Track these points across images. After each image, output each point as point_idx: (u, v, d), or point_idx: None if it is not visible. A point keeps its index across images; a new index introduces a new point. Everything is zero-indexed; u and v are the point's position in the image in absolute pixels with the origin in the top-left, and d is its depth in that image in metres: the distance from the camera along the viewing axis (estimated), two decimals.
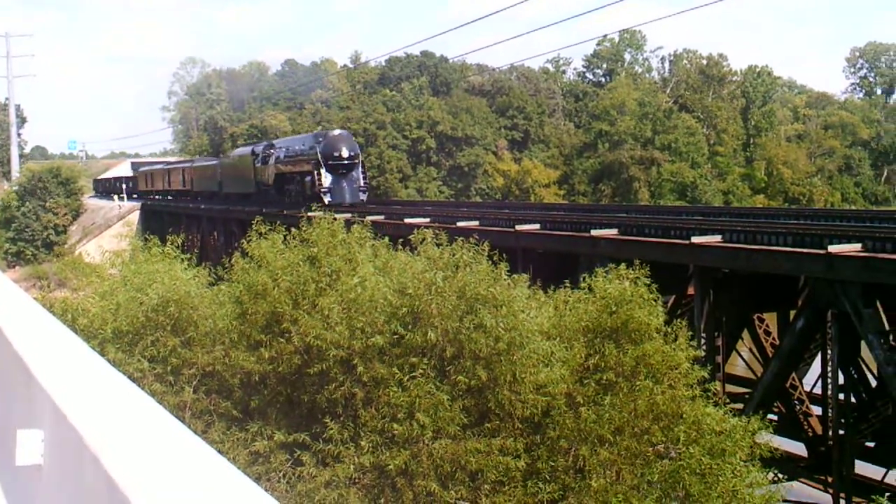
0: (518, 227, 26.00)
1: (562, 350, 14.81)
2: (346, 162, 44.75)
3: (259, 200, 51.60)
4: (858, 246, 16.96)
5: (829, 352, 18.93)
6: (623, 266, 15.68)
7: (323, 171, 44.05)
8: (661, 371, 14.66)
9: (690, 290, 21.58)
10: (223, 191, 61.24)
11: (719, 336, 20.66)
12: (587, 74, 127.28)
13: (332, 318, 15.22)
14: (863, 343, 17.62)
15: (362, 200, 45.22)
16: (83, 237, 77.12)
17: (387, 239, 19.54)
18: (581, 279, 16.70)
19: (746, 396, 21.01)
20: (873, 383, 20.47)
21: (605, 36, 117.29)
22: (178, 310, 16.87)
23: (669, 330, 15.09)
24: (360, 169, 45.98)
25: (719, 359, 20.61)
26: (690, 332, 15.98)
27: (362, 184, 45.77)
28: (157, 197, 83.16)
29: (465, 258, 15.22)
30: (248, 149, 58.87)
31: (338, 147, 44.78)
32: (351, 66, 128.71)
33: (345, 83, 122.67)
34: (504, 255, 16.58)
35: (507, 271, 15.56)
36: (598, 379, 14.61)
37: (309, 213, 23.86)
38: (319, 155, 44.43)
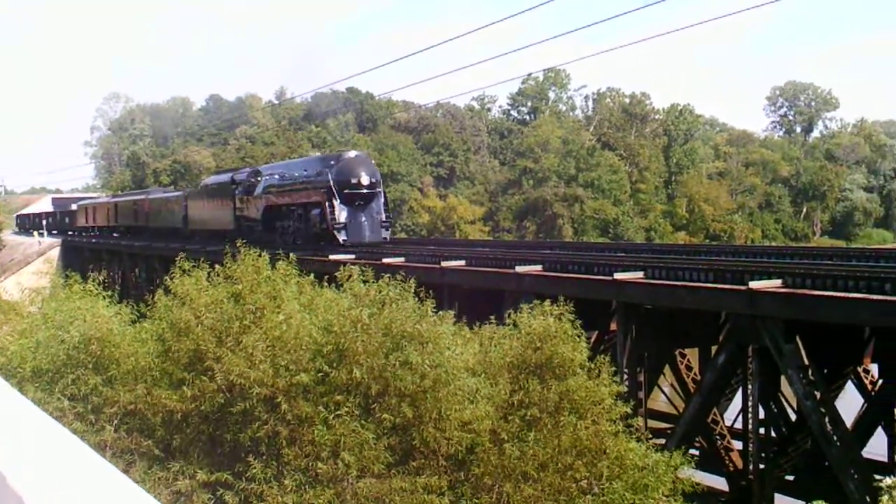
0: (444, 264, 26.01)
1: (487, 386, 14.84)
2: (365, 191, 36.64)
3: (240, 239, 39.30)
4: (779, 282, 17.22)
5: (750, 387, 19.14)
6: (547, 302, 15.74)
7: (336, 202, 35.85)
8: (584, 407, 14.74)
9: (613, 326, 21.77)
10: (188, 228, 52.69)
11: (642, 371, 20.87)
12: (512, 112, 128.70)
13: (256, 356, 15.08)
14: (783, 378, 17.88)
15: (385, 239, 37.42)
16: (1, 273, 75.72)
17: (312, 276, 19.48)
18: (506, 315, 16.74)
19: (669, 432, 21.20)
20: (793, 417, 20.80)
21: (529, 74, 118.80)
22: (100, 347, 16.61)
23: (593, 366, 15.18)
24: (382, 199, 37.87)
25: (641, 394, 20.81)
26: (613, 368, 16.07)
27: (384, 218, 37.59)
28: (97, 234, 77.15)
29: (392, 295, 15.20)
30: (225, 176, 50.38)
31: (356, 172, 36.56)
32: (276, 101, 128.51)
33: (270, 119, 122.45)
34: (430, 291, 16.63)
35: (434, 308, 15.59)
36: (522, 415, 14.64)
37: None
38: (332, 182, 36.17)
